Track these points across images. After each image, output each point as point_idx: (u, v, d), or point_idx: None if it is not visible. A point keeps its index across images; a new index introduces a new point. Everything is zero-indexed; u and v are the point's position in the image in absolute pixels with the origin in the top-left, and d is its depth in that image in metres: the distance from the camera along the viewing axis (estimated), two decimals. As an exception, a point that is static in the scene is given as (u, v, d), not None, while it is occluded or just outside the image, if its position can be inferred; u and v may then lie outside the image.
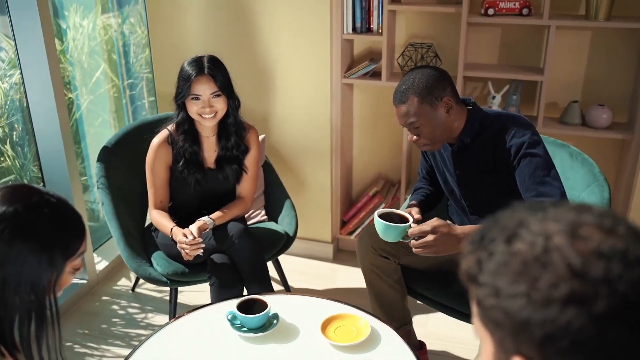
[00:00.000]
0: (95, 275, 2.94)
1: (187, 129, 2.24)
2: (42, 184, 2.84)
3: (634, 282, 0.62)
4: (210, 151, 2.31)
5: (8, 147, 3.01)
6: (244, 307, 1.91)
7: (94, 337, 2.59)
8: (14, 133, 3.02)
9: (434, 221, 1.87)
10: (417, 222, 2.12)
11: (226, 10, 2.88)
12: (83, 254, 1.28)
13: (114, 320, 2.71)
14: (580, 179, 2.33)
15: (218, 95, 2.17)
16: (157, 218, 2.26)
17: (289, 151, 3.05)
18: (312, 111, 2.93)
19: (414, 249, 1.86)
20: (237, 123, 2.28)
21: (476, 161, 2.04)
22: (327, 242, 3.17)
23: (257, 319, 1.87)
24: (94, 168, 2.69)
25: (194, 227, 2.13)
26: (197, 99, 2.16)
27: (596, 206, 0.70)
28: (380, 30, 2.77)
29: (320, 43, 2.79)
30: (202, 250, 2.11)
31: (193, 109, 2.17)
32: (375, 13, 2.78)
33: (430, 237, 1.84)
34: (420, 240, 1.85)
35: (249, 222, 2.64)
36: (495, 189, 2.03)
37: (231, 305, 1.93)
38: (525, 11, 2.61)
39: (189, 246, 2.08)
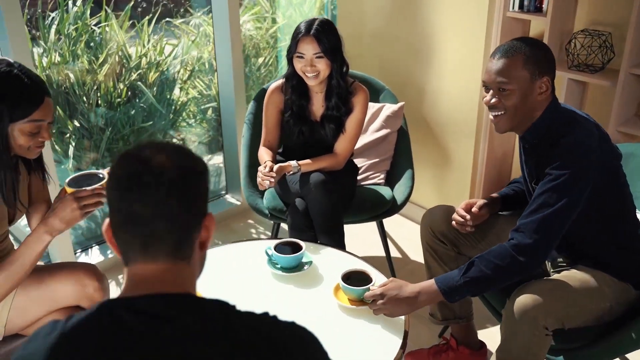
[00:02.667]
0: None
1: (296, 84, 2.41)
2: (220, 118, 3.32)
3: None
4: (318, 105, 2.46)
5: (215, 78, 3.56)
6: (284, 247, 2.07)
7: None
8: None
9: (387, 283, 1.79)
10: (476, 217, 2.00)
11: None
12: (38, 122, 1.58)
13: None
14: None
15: (320, 57, 2.29)
16: (261, 153, 2.50)
17: (436, 124, 3.01)
18: (462, 88, 2.83)
19: (373, 311, 1.79)
20: (340, 86, 2.38)
21: (534, 168, 1.85)
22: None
23: (286, 259, 2.02)
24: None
25: (277, 165, 2.32)
26: (302, 57, 2.31)
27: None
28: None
29: (478, 19, 2.67)
30: (268, 183, 2.25)
31: (298, 66, 2.34)
32: (548, -9, 2.54)
33: (380, 301, 1.76)
34: (373, 304, 1.78)
35: (365, 182, 2.73)
36: None
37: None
38: None
39: (261, 174, 2.29)
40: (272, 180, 2.26)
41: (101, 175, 1.71)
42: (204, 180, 0.99)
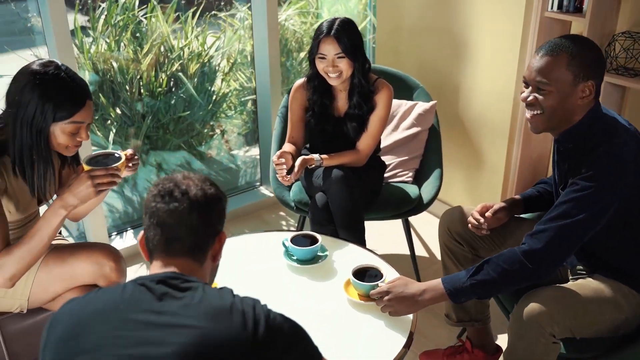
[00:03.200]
0: (281, 192, 3.41)
1: (317, 85, 2.43)
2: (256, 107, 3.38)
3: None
4: (342, 102, 2.47)
5: (256, 71, 3.62)
6: (302, 239, 2.10)
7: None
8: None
9: (394, 280, 1.78)
10: (492, 221, 1.97)
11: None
12: (78, 124, 1.68)
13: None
14: None
15: (342, 57, 2.30)
16: (284, 147, 2.52)
17: (470, 124, 2.97)
18: (496, 88, 2.79)
19: (380, 308, 1.78)
20: (362, 85, 2.38)
21: (565, 172, 1.78)
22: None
23: (301, 251, 2.05)
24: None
25: (300, 157, 2.34)
26: (323, 57, 2.33)
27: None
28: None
29: (514, 18, 2.62)
30: (288, 178, 2.27)
31: (320, 66, 2.35)
32: (589, -9, 2.46)
33: (386, 298, 1.75)
34: (380, 301, 1.77)
35: (393, 180, 2.73)
36: None
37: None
38: None
39: (275, 165, 2.30)
40: (284, 168, 2.28)
41: (117, 155, 1.79)
42: (221, 204, 1.25)
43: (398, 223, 2.87)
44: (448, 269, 2.14)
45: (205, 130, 3.65)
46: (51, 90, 1.64)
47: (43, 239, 1.70)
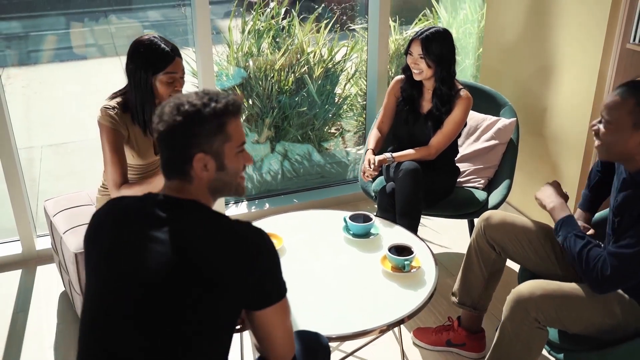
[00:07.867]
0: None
1: (410, 76, 2.82)
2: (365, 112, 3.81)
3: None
4: (427, 101, 2.85)
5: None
6: (359, 218, 2.51)
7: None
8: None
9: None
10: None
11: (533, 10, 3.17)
12: (171, 74, 2.22)
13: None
14: None
15: (422, 58, 2.69)
16: (371, 135, 2.97)
17: (548, 141, 3.18)
18: (573, 112, 2.97)
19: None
20: (441, 90, 2.74)
21: (621, 200, 1.91)
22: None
23: (355, 227, 2.46)
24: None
25: (378, 159, 2.77)
26: (410, 54, 2.74)
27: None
28: (667, 47, 2.57)
29: (594, 47, 2.80)
30: (371, 179, 2.77)
31: (408, 60, 2.77)
32: (671, 26, 2.58)
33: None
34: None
35: (466, 184, 3.02)
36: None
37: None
38: None
39: (365, 169, 2.79)
40: (375, 174, 2.77)
41: None
42: (183, 127, 1.36)
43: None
44: (468, 258, 2.40)
45: (326, 128, 4.16)
46: (148, 51, 2.22)
47: (157, 188, 2.28)
